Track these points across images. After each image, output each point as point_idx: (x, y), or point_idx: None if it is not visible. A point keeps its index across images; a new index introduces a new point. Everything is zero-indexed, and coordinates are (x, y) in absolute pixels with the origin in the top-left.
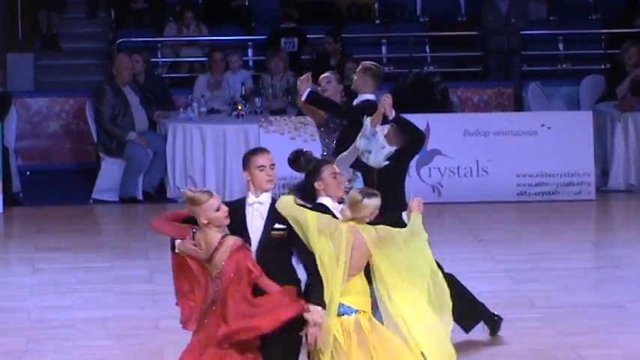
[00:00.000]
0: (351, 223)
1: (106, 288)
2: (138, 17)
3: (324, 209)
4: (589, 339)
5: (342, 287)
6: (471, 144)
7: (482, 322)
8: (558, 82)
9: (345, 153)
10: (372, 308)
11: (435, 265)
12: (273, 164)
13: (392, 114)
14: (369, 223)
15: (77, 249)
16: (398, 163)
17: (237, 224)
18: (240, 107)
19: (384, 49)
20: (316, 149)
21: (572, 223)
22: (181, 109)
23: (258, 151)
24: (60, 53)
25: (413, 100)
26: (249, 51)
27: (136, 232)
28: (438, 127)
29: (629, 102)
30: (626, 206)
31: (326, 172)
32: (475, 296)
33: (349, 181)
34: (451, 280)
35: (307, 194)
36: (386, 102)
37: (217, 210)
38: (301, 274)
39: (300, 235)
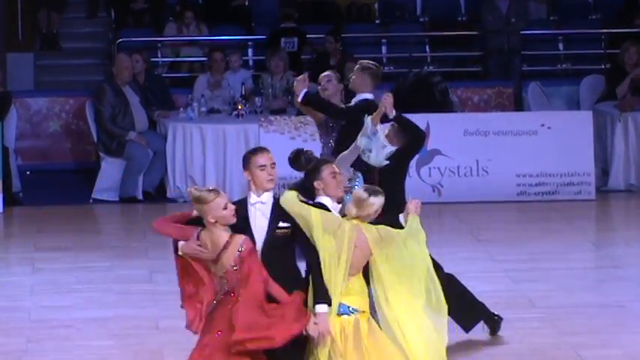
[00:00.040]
0: (355, 221)
1: (106, 288)
2: (138, 17)
3: (323, 209)
4: (589, 339)
5: (342, 286)
6: (471, 144)
7: (482, 322)
8: (558, 82)
9: (345, 152)
10: (370, 309)
11: (432, 266)
12: (274, 163)
13: (392, 113)
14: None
15: (77, 249)
16: (398, 163)
17: (241, 224)
18: (240, 107)
19: (384, 49)
20: (316, 149)
21: (572, 223)
22: (181, 109)
23: (259, 150)
24: (60, 53)
25: (413, 100)
26: (249, 51)
27: (136, 232)
28: (438, 127)
29: (629, 102)
30: (626, 206)
31: (326, 171)
32: (475, 296)
33: (349, 180)
34: (451, 280)
35: (306, 193)
36: (387, 101)
37: (225, 208)
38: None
39: (305, 231)
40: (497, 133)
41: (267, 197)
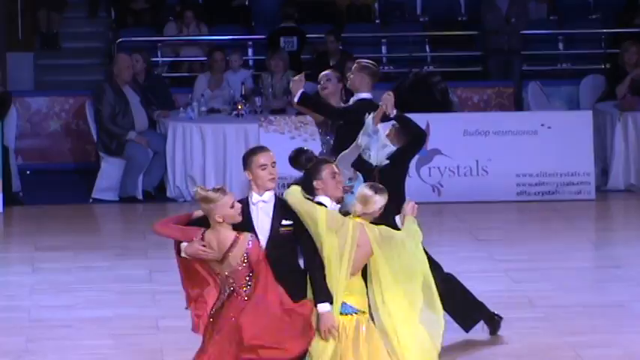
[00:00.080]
0: (358, 219)
1: (105, 287)
2: (138, 17)
3: None
4: (589, 339)
5: (344, 284)
6: (471, 143)
7: (482, 322)
8: (558, 81)
9: (346, 151)
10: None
11: (428, 267)
12: (275, 162)
13: (393, 112)
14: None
15: (77, 248)
16: (399, 162)
17: (244, 224)
18: (240, 107)
19: (383, 49)
20: (316, 149)
21: (572, 222)
22: (181, 109)
23: (259, 150)
24: (60, 53)
25: (413, 100)
26: (249, 50)
27: (135, 232)
28: (437, 127)
29: (629, 101)
30: (626, 206)
31: (325, 171)
32: (475, 296)
33: (350, 179)
34: (451, 279)
35: (306, 192)
36: (388, 100)
37: (232, 207)
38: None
39: (308, 227)
40: (497, 133)
41: (269, 196)
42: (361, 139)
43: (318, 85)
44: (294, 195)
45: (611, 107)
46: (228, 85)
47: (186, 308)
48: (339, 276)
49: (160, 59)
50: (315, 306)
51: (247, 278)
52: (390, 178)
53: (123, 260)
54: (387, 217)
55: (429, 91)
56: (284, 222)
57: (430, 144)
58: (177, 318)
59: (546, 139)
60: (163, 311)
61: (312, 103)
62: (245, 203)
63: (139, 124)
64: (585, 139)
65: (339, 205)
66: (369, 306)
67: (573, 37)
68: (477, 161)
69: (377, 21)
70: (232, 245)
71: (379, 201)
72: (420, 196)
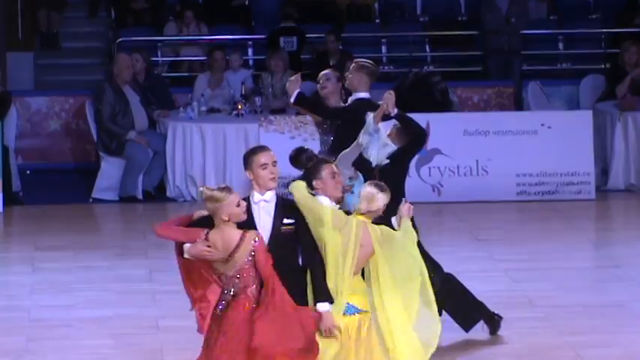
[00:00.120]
0: (361, 218)
1: (105, 287)
2: (138, 16)
3: None
4: (589, 339)
5: (349, 283)
6: (471, 143)
7: (482, 322)
8: (558, 81)
9: (347, 150)
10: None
11: (425, 268)
12: (275, 161)
13: (394, 111)
14: None
15: (77, 248)
16: (399, 161)
17: (246, 224)
18: (240, 106)
19: (383, 49)
20: (316, 148)
21: (572, 222)
22: (181, 109)
23: (259, 149)
24: (60, 52)
25: (413, 100)
26: (250, 50)
27: (135, 232)
28: (438, 127)
29: (629, 101)
30: (626, 206)
31: (325, 171)
32: (475, 296)
33: (351, 178)
34: (451, 279)
35: None
36: (389, 99)
37: (238, 205)
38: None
39: (311, 224)
40: (497, 133)
41: (271, 196)
42: (362, 138)
43: (318, 85)
44: (300, 190)
45: (611, 107)
46: (228, 84)
47: (191, 309)
48: (343, 275)
49: (159, 59)
50: (315, 305)
51: (253, 277)
52: (390, 178)
53: (123, 260)
54: (387, 217)
55: (429, 91)
56: (285, 220)
57: (430, 144)
58: (177, 318)
59: (546, 139)
60: (163, 311)
61: (308, 103)
62: (246, 203)
63: (138, 124)
64: (585, 139)
65: (338, 205)
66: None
67: (573, 37)
68: (477, 161)
69: (377, 21)
70: (239, 244)
71: (383, 199)
72: (420, 196)
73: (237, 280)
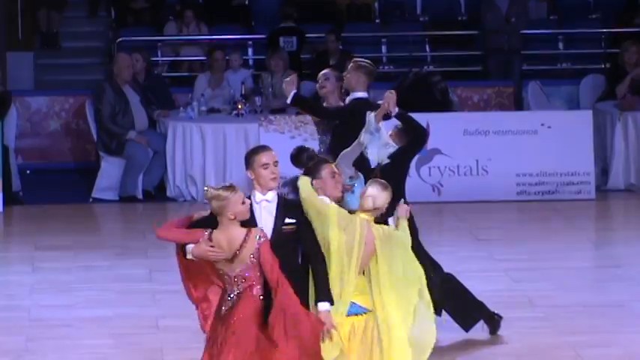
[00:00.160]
0: (364, 217)
1: (105, 287)
2: (138, 16)
3: None
4: (589, 338)
5: (354, 282)
6: (471, 143)
7: (482, 322)
8: (558, 81)
9: (348, 149)
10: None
11: (422, 269)
12: (277, 161)
13: (395, 110)
14: None
15: (77, 248)
16: (399, 161)
17: (247, 224)
18: (240, 106)
19: (383, 49)
20: (317, 148)
21: (572, 222)
22: (181, 108)
23: (260, 149)
24: (60, 52)
25: (413, 100)
26: (250, 50)
27: (135, 231)
28: (438, 127)
29: (629, 101)
30: (626, 206)
31: (325, 171)
32: (475, 295)
33: (351, 178)
34: (451, 279)
35: None
36: (390, 98)
37: (243, 203)
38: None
39: (314, 222)
40: (497, 133)
41: (272, 195)
42: (363, 137)
43: (317, 84)
44: (306, 188)
45: (611, 107)
46: (228, 84)
47: (197, 309)
48: (348, 274)
49: (159, 59)
50: (316, 304)
51: (257, 276)
52: (390, 178)
53: (123, 260)
54: (385, 217)
55: (429, 91)
56: (287, 220)
57: (430, 144)
58: (177, 317)
59: (546, 139)
60: (163, 311)
61: (304, 103)
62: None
63: (138, 124)
64: (585, 138)
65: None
66: None
67: (573, 37)
68: (477, 161)
69: (377, 20)
70: (244, 242)
71: (387, 197)
72: (420, 195)
73: (242, 280)
